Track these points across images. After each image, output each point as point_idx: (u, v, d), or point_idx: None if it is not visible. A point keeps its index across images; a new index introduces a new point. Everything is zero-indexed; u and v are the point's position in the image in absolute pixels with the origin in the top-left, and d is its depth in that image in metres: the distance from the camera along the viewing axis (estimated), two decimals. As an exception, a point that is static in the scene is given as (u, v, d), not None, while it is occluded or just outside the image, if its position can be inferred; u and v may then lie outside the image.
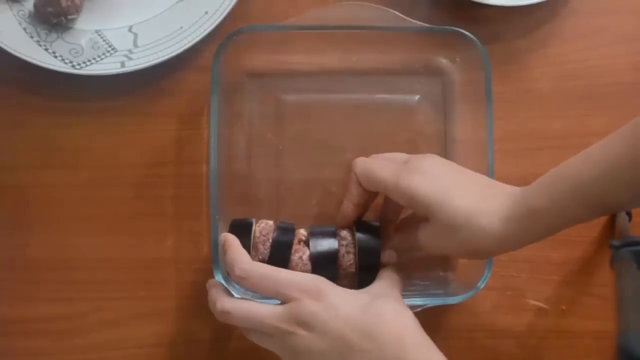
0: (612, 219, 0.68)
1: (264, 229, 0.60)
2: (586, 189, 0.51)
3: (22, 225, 0.67)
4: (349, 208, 0.61)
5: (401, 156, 0.62)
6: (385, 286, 0.58)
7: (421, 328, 0.54)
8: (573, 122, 0.69)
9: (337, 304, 0.53)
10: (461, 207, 0.54)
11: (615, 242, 0.62)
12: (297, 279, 0.55)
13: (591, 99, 0.70)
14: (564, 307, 0.68)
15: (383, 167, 0.59)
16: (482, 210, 0.54)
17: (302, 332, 0.53)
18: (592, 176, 0.50)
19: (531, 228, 0.53)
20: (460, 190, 0.56)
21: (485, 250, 0.55)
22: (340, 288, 0.55)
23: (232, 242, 0.58)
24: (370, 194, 0.61)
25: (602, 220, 0.69)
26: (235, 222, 0.61)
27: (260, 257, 0.59)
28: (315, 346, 0.52)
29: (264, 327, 0.54)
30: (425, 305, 0.61)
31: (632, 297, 0.56)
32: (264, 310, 0.54)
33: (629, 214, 0.67)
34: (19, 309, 0.66)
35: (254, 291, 0.56)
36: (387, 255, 0.62)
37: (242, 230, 0.60)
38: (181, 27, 0.66)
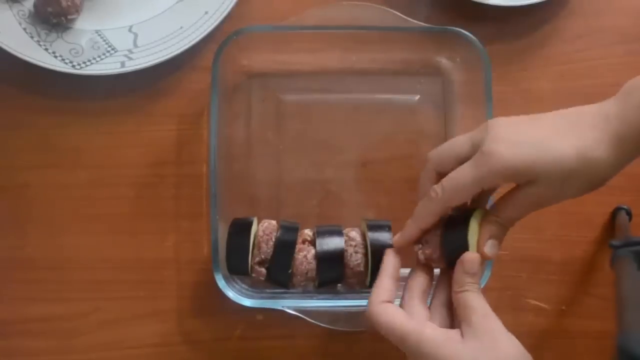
0: (612, 219, 0.68)
1: (267, 228, 0.60)
2: None
3: (22, 225, 0.67)
4: (418, 230, 0.57)
5: (462, 140, 0.56)
6: (490, 320, 0.54)
7: None
8: (573, 122, 0.69)
9: None
10: (566, 152, 0.51)
11: (615, 242, 0.62)
12: (404, 333, 0.53)
13: (591, 99, 0.70)
14: (564, 307, 0.68)
15: (464, 171, 0.54)
16: (588, 144, 0.51)
17: None
18: None
19: None
20: (553, 136, 0.52)
21: (605, 179, 0.53)
22: (451, 345, 0.52)
23: (381, 274, 0.56)
24: None
25: (602, 220, 0.69)
26: (235, 222, 0.61)
27: (262, 256, 0.59)
28: None
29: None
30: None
31: (632, 297, 0.56)
32: (400, 332, 0.53)
33: (629, 214, 0.67)
34: (19, 309, 0.66)
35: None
36: (490, 247, 0.55)
37: (241, 229, 0.60)
38: (181, 27, 0.66)
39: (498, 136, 0.53)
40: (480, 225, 0.55)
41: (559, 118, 0.55)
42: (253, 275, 0.60)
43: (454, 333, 0.53)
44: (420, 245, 0.57)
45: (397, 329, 0.53)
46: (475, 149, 0.54)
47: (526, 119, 0.55)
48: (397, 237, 0.58)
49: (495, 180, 0.53)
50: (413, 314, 0.54)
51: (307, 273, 0.60)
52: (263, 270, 0.60)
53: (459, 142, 0.56)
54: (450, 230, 0.56)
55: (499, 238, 0.55)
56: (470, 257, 0.54)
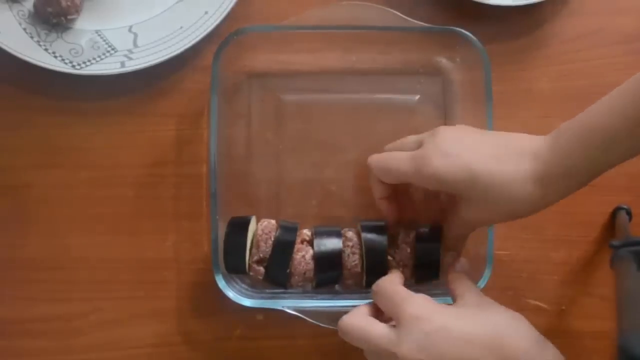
0: (612, 219, 0.68)
1: (266, 227, 0.60)
2: (620, 141, 0.50)
3: (22, 225, 0.67)
4: (383, 205, 0.61)
5: (412, 140, 0.60)
6: (475, 295, 0.57)
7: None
8: (573, 122, 0.69)
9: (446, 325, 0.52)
10: (492, 180, 0.53)
11: (615, 242, 0.62)
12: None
13: (591, 99, 0.69)
14: (564, 307, 0.68)
15: (399, 160, 0.58)
16: (513, 177, 0.53)
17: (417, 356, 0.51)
18: (626, 126, 0.50)
19: (568, 185, 0.53)
20: (485, 162, 0.54)
21: (525, 213, 0.55)
22: (451, 331, 0.52)
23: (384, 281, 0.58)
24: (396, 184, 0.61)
25: (602, 220, 0.69)
26: (233, 220, 0.61)
27: (261, 254, 0.59)
28: None
29: (376, 349, 0.53)
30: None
31: (632, 297, 0.56)
32: (375, 333, 0.53)
33: (629, 214, 0.67)
34: (19, 309, 0.66)
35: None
36: (460, 265, 0.61)
37: (238, 227, 0.60)
38: (181, 27, 0.66)
39: (437, 144, 0.56)
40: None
41: (498, 140, 0.57)
42: (251, 273, 0.60)
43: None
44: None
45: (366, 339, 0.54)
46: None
47: (471, 134, 0.58)
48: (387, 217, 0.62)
49: (424, 183, 0.56)
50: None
51: (304, 273, 0.60)
52: (261, 269, 0.60)
53: (409, 141, 0.60)
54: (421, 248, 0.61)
55: (456, 250, 0.61)
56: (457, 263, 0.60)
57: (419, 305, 0.53)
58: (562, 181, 0.53)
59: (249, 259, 0.60)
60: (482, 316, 0.53)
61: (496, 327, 0.52)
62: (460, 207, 0.57)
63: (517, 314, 0.55)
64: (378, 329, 0.53)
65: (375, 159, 0.60)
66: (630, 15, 0.71)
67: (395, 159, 0.58)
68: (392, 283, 0.56)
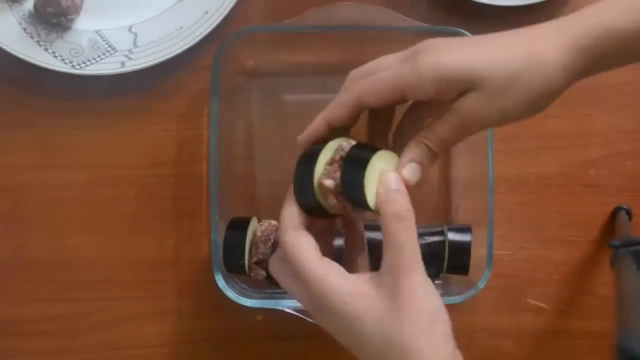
0: (612, 219, 0.68)
1: (266, 229, 0.60)
2: None
3: (22, 225, 0.67)
4: (320, 124, 0.50)
5: (396, 55, 0.50)
6: (398, 259, 0.45)
7: (438, 342, 0.46)
8: (573, 122, 0.69)
9: (349, 329, 0.46)
10: (515, 53, 0.46)
11: (615, 242, 0.62)
12: (308, 279, 0.46)
13: (591, 99, 0.70)
14: (563, 307, 0.68)
15: (388, 68, 0.48)
16: (538, 45, 0.46)
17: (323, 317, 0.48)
18: None
19: (605, 52, 0.46)
20: (503, 42, 0.47)
21: (554, 89, 0.46)
22: (355, 296, 0.45)
23: (287, 196, 0.49)
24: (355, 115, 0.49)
25: (602, 220, 0.69)
26: (233, 220, 0.61)
27: (260, 256, 0.59)
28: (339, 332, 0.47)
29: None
30: (425, 305, 0.61)
31: (632, 297, 0.56)
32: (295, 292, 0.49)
33: (629, 214, 0.67)
34: (19, 309, 0.66)
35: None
36: (409, 170, 0.47)
37: (238, 227, 0.60)
38: (181, 27, 0.66)
39: (438, 41, 0.47)
40: (408, 146, 0.47)
41: (508, 33, 0.48)
42: (251, 274, 0.60)
43: (365, 280, 0.46)
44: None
45: (301, 270, 0.46)
46: None
47: (462, 38, 0.50)
48: (302, 135, 0.51)
49: (419, 84, 0.46)
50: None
51: None
52: (262, 272, 0.60)
53: (388, 58, 0.49)
54: (350, 163, 0.47)
55: (423, 163, 0.47)
56: (387, 176, 0.46)
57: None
58: (601, 45, 0.45)
59: (248, 260, 0.60)
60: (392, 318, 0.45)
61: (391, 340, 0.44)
62: (466, 102, 0.46)
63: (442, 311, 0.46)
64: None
65: (357, 72, 0.50)
66: (630, 15, 0.71)
67: (383, 61, 0.49)
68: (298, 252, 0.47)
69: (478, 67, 0.45)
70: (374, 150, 0.48)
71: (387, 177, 0.46)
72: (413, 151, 0.47)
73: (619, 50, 0.46)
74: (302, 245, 0.47)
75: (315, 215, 0.49)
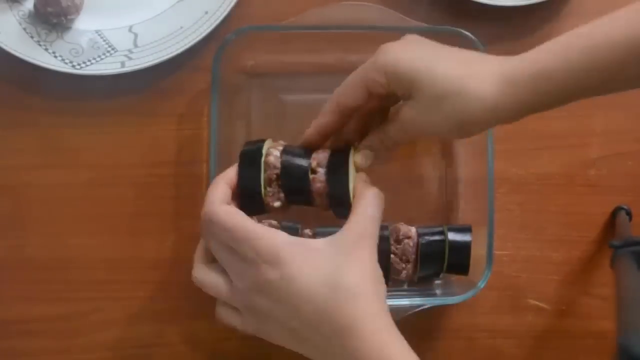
0: (612, 219, 0.68)
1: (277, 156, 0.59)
2: (601, 53, 0.48)
3: (22, 225, 0.67)
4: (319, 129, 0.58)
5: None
6: (359, 228, 0.52)
7: (381, 301, 0.50)
8: (573, 122, 0.69)
9: (295, 275, 0.49)
10: (451, 72, 0.49)
11: (615, 242, 0.62)
12: (255, 235, 0.50)
13: (591, 99, 0.70)
14: (564, 307, 0.68)
15: (358, 70, 0.55)
16: (475, 73, 0.49)
17: (260, 300, 0.50)
18: (611, 41, 0.48)
19: (535, 91, 0.49)
20: (449, 57, 0.51)
21: (477, 119, 0.50)
22: (306, 248, 0.50)
23: (218, 179, 0.54)
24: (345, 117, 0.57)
25: (602, 220, 0.69)
26: (244, 151, 0.58)
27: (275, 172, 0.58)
28: (275, 317, 0.50)
29: (228, 301, 0.53)
30: (425, 305, 0.61)
31: (632, 297, 0.56)
32: (223, 284, 0.53)
33: (629, 214, 0.67)
34: (19, 309, 0.66)
35: (211, 246, 0.53)
36: (362, 156, 0.56)
37: (250, 158, 0.57)
38: (181, 27, 0.66)
39: (398, 41, 0.54)
40: (367, 136, 0.57)
41: (464, 52, 0.54)
42: (269, 198, 0.57)
43: (317, 240, 0.52)
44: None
45: (245, 230, 0.50)
46: None
47: (435, 42, 0.54)
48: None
49: (377, 76, 0.52)
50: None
51: None
52: (281, 194, 0.57)
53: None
54: (333, 162, 0.56)
55: (375, 150, 0.56)
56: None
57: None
58: (532, 84, 0.48)
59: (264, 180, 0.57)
60: (335, 276, 0.49)
61: (336, 295, 0.48)
62: (405, 108, 0.52)
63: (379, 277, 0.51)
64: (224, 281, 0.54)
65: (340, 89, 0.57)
66: (630, 15, 0.71)
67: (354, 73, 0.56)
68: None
69: (420, 73, 0.50)
70: (346, 156, 0.57)
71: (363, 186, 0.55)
72: (369, 139, 0.56)
73: (548, 90, 0.49)
74: (240, 213, 0.52)
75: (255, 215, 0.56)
